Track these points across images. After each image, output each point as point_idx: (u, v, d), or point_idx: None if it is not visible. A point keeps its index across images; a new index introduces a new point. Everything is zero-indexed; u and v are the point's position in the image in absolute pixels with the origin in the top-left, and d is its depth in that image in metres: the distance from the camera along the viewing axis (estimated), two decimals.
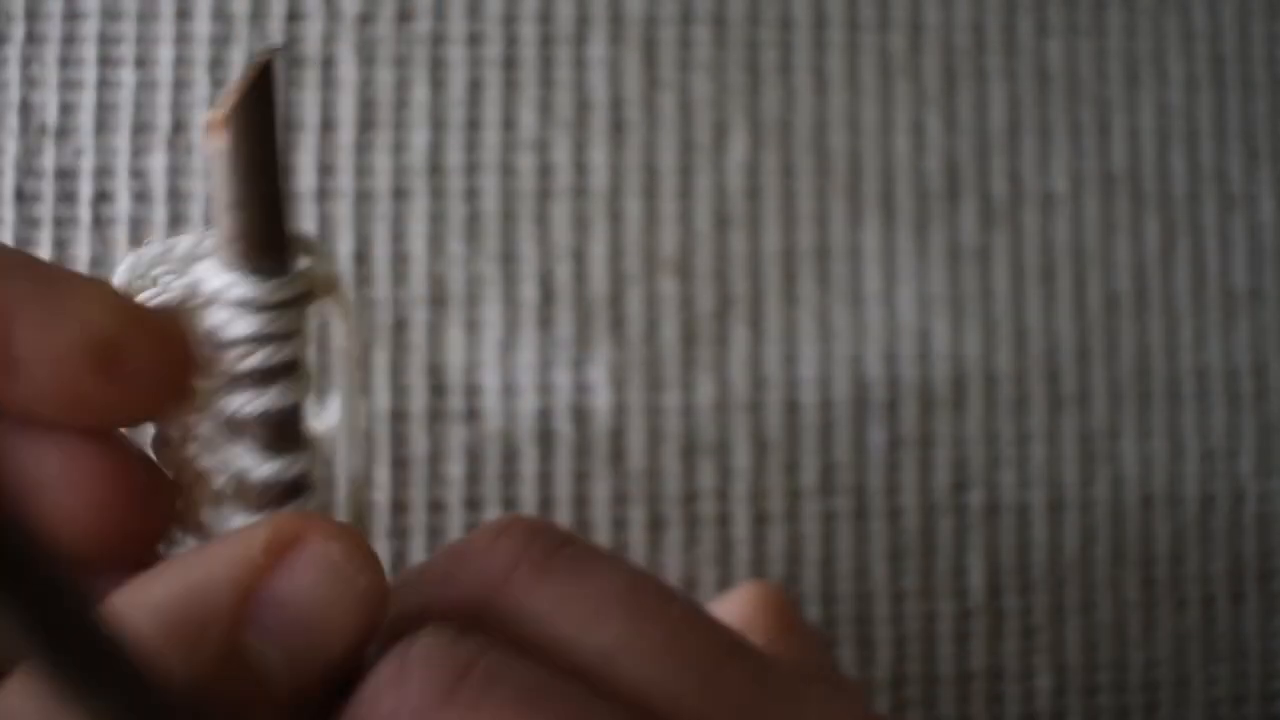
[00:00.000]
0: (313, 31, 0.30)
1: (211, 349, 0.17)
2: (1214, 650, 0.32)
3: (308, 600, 0.15)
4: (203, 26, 0.30)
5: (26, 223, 0.29)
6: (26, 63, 0.29)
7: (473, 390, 0.30)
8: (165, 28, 0.30)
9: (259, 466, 0.17)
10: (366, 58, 0.31)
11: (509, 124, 0.31)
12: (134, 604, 0.15)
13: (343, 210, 0.30)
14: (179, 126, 0.30)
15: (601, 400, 0.30)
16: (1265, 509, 0.33)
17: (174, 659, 0.14)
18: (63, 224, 0.29)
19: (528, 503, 0.30)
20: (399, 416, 0.30)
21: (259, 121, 0.15)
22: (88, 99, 0.29)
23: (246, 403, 0.17)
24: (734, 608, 0.23)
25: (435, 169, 0.31)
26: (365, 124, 0.30)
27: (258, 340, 0.16)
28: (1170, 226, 0.33)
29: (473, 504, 0.30)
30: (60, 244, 0.29)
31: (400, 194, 0.30)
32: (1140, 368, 0.33)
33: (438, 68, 0.31)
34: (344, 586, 0.15)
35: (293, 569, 0.15)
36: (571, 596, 0.16)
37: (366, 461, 0.29)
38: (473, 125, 0.31)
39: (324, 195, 0.30)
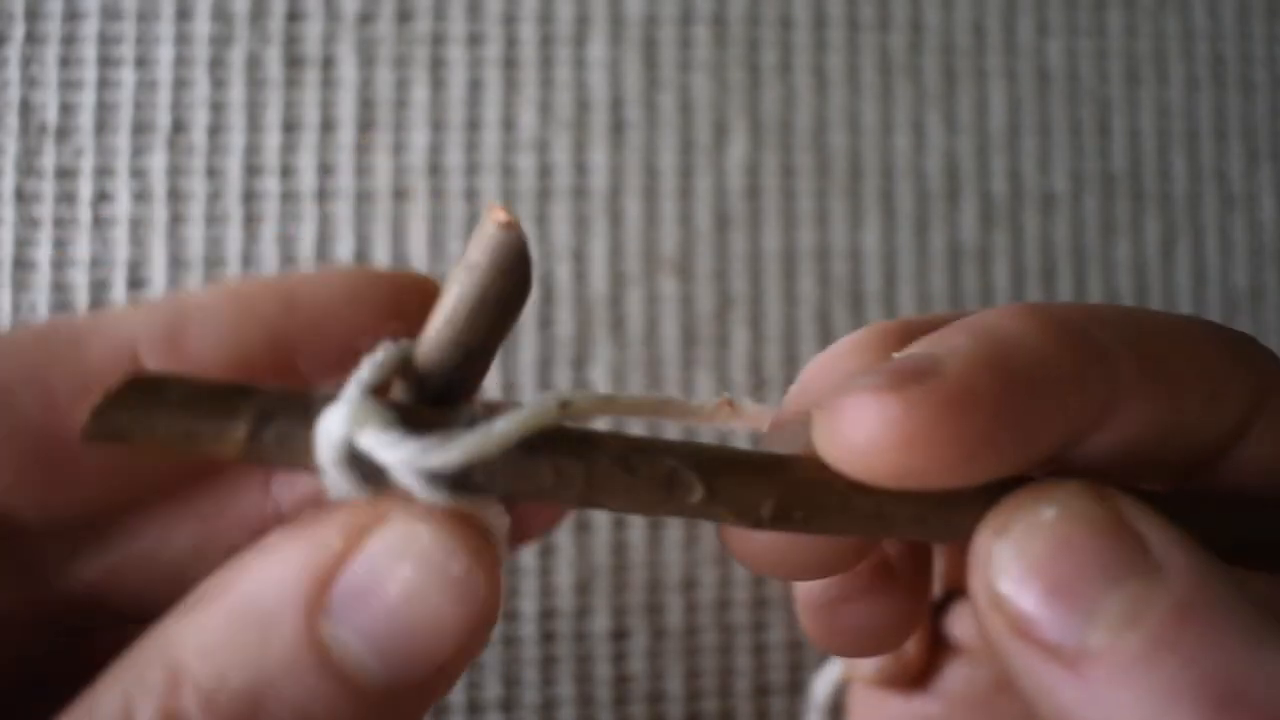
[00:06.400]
0: (313, 31, 0.30)
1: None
2: None
3: (391, 591, 0.13)
4: (203, 26, 0.30)
5: (26, 223, 0.29)
6: (26, 63, 0.29)
7: None
8: (165, 28, 0.30)
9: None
10: (366, 58, 0.31)
11: (509, 124, 0.31)
12: (212, 594, 0.14)
13: (343, 210, 0.30)
14: (179, 126, 0.30)
15: None
16: None
17: (245, 650, 0.13)
18: (63, 224, 0.29)
19: None
20: None
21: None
22: (88, 99, 0.29)
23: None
24: None
25: (435, 169, 0.31)
26: (365, 124, 0.30)
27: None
28: (1170, 226, 0.33)
29: None
30: (60, 244, 0.29)
31: (400, 194, 0.30)
32: None
33: (438, 68, 0.31)
34: (432, 574, 0.14)
35: (373, 555, 0.14)
36: None
37: None
38: (473, 125, 0.31)
39: (324, 195, 0.30)
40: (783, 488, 0.15)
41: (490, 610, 0.14)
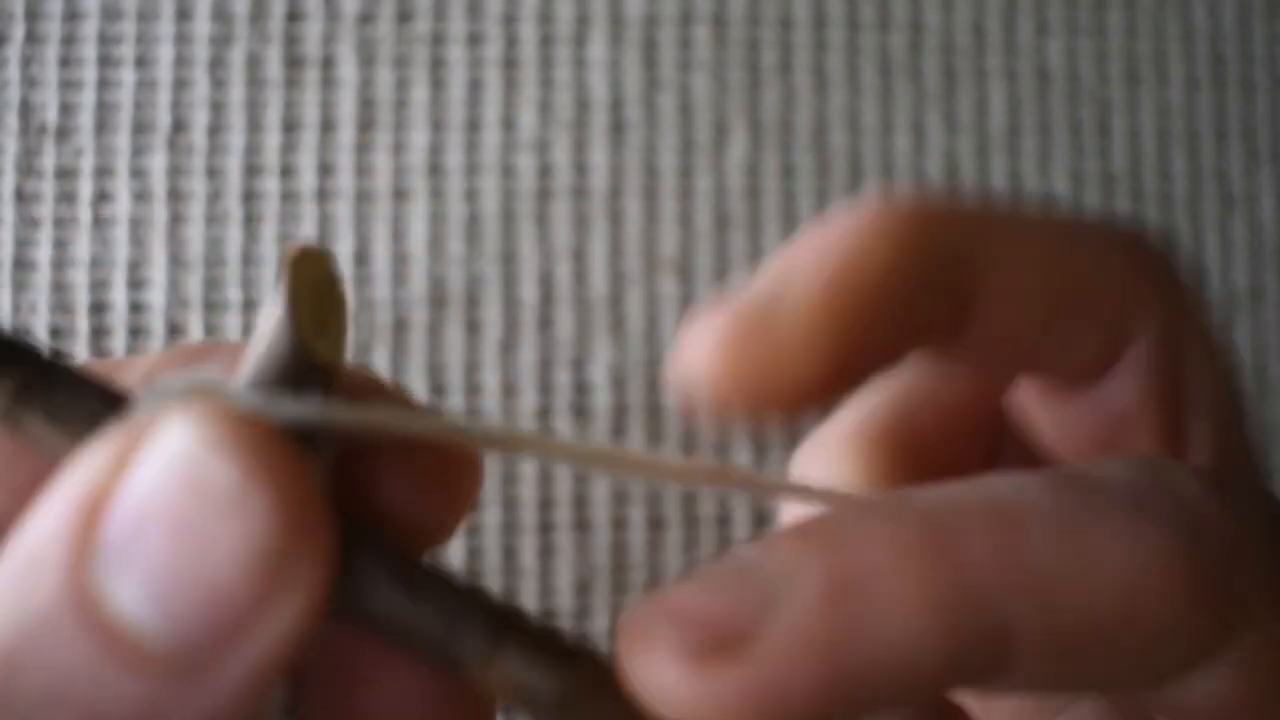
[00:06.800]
0: (313, 31, 0.30)
1: None
2: None
3: (160, 520, 0.10)
4: (203, 26, 0.30)
5: (26, 223, 0.29)
6: (26, 63, 0.29)
7: (473, 390, 0.30)
8: (165, 28, 0.30)
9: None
10: (366, 58, 0.31)
11: (509, 124, 0.31)
12: (12, 534, 0.11)
13: (343, 210, 0.30)
14: (179, 126, 0.30)
15: (601, 400, 0.30)
16: None
17: (12, 601, 0.10)
18: (63, 224, 0.29)
19: (528, 502, 0.30)
20: None
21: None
22: (88, 99, 0.29)
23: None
24: None
25: (435, 169, 0.31)
26: (365, 124, 0.30)
27: None
28: (1170, 227, 0.33)
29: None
30: (60, 244, 0.29)
31: (400, 194, 0.30)
32: None
33: (438, 68, 0.31)
34: (210, 503, 0.10)
35: (142, 476, 0.10)
36: None
37: None
38: (473, 125, 0.31)
39: (324, 195, 0.30)
40: (569, 684, 0.12)
41: (290, 546, 0.10)
